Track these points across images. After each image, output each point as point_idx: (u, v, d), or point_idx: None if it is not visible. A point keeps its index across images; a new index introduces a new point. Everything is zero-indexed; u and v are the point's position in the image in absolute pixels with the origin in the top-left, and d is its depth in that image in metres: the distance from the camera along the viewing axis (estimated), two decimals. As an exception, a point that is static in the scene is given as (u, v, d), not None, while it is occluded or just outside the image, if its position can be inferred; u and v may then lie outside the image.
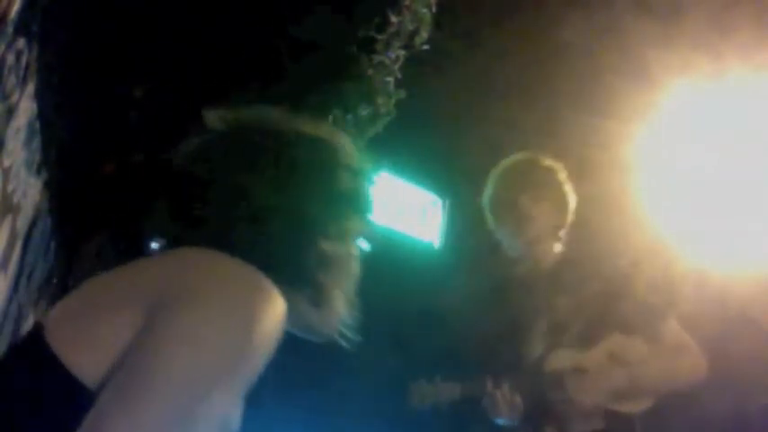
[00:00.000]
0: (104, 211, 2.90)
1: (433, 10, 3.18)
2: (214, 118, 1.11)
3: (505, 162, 2.37)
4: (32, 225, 2.37)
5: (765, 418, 4.46)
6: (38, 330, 0.87)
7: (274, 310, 0.88)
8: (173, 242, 1.02)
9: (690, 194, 4.79)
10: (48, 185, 2.50)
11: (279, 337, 0.90)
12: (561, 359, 2.22)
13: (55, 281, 2.87)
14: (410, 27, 3.07)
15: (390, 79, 3.09)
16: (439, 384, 2.28)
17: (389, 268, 4.56)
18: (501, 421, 2.23)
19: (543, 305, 2.29)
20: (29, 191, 2.25)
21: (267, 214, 1.01)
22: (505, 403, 2.16)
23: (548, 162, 2.33)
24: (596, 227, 4.61)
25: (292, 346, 0.97)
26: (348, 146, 1.13)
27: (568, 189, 2.31)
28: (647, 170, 4.76)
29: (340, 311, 1.10)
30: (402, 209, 5.30)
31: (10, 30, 1.78)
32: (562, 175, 2.31)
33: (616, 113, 4.44)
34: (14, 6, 1.79)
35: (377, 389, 4.07)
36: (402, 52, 3.08)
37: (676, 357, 2.20)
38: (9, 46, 1.81)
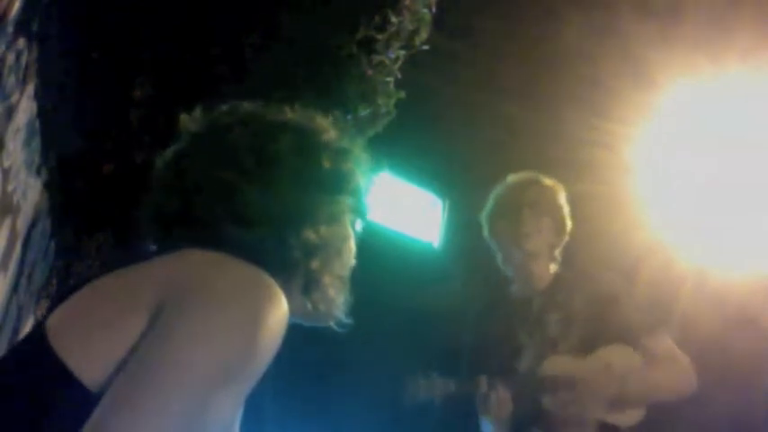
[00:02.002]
0: (104, 211, 2.91)
1: (433, 10, 3.18)
2: (187, 120, 1.10)
3: (509, 179, 2.40)
4: (32, 225, 2.37)
5: (765, 418, 4.46)
6: (41, 333, 0.86)
7: (279, 309, 0.87)
8: (161, 245, 1.02)
9: (689, 195, 4.80)
10: (48, 185, 2.50)
11: (283, 336, 0.89)
12: (556, 364, 2.24)
13: (55, 281, 2.87)
14: (410, 27, 3.07)
15: (390, 79, 3.09)
16: (434, 379, 2.30)
17: (389, 268, 4.57)
18: (488, 428, 2.26)
19: (536, 322, 2.32)
20: (29, 191, 2.25)
21: (251, 211, 1.00)
22: (498, 403, 2.19)
23: (550, 182, 2.36)
24: (596, 227, 4.61)
25: (294, 344, 0.97)
26: (325, 125, 1.12)
27: (567, 212, 2.35)
28: (647, 170, 4.77)
29: (333, 296, 1.09)
30: (402, 209, 5.30)
31: (10, 30, 1.78)
32: (562, 197, 2.35)
33: (616, 114, 4.45)
34: (14, 6, 1.79)
35: (377, 387, 4.07)
36: (402, 52, 3.08)
37: (668, 369, 2.21)
38: (9, 46, 1.81)
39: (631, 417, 2.23)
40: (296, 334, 0.99)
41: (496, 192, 2.41)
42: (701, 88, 4.43)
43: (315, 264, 1.05)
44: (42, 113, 2.19)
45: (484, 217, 2.41)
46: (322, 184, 1.07)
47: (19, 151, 2.03)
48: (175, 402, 0.75)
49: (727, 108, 4.50)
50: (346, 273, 1.12)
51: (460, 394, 2.29)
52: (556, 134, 4.51)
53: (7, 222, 2.00)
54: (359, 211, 1.14)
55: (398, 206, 5.24)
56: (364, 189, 1.14)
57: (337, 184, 1.09)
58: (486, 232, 2.40)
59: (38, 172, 2.35)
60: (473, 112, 4.78)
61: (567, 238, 2.37)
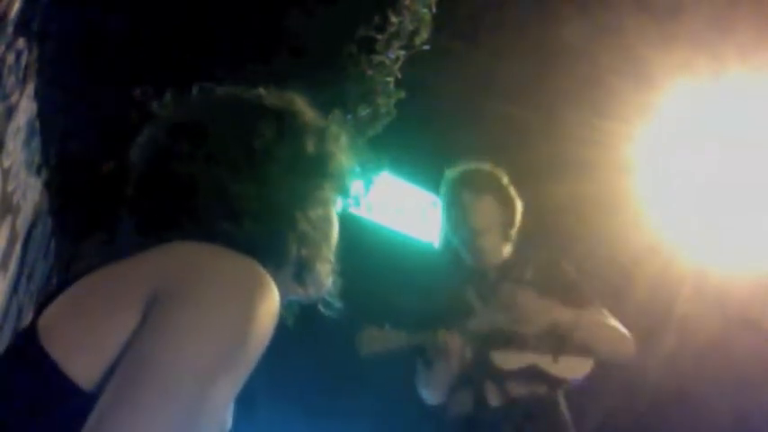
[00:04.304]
0: (104, 211, 2.90)
1: (433, 10, 3.17)
2: (159, 108, 1.09)
3: (455, 168, 2.52)
4: (32, 225, 2.37)
5: (765, 418, 4.46)
6: (32, 332, 0.85)
7: (271, 298, 0.87)
8: (152, 240, 0.99)
9: (689, 194, 4.80)
10: (48, 185, 2.49)
11: (274, 328, 0.89)
12: (503, 323, 2.33)
13: (55, 281, 2.87)
14: (410, 27, 3.07)
15: (390, 79, 3.08)
16: (388, 331, 2.34)
17: (389, 268, 4.57)
18: (431, 396, 2.33)
19: (490, 290, 2.42)
20: (29, 191, 2.25)
21: (243, 206, 0.99)
22: (455, 351, 2.26)
23: (489, 167, 2.50)
24: (596, 227, 4.61)
25: (294, 348, 0.96)
26: (302, 106, 1.11)
27: (512, 191, 2.46)
28: (646, 170, 4.77)
29: (324, 280, 1.09)
30: (402, 209, 5.30)
31: (10, 30, 1.78)
32: (505, 179, 2.46)
33: (616, 113, 4.45)
34: (14, 6, 1.79)
35: (376, 386, 4.07)
36: (402, 52, 3.08)
37: (610, 330, 2.35)
38: (9, 46, 1.81)
39: (578, 369, 2.31)
40: (293, 333, 0.98)
41: (444, 179, 2.54)
42: (700, 88, 4.43)
43: (305, 251, 1.04)
44: (42, 113, 2.19)
45: (435, 208, 2.54)
46: (308, 170, 1.06)
47: (19, 151, 2.03)
48: (174, 396, 0.75)
49: (727, 108, 4.49)
50: (332, 254, 1.12)
51: (414, 345, 2.35)
52: (556, 134, 4.51)
53: (7, 222, 2.00)
54: (342, 191, 1.13)
55: (398, 206, 5.24)
56: (346, 167, 1.13)
57: (322, 167, 1.08)
58: (439, 220, 2.52)
59: (38, 172, 2.35)
60: (473, 112, 4.77)
61: (518, 216, 2.45)
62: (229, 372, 0.80)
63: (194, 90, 1.13)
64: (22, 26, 1.88)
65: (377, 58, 2.97)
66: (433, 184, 5.63)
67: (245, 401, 0.90)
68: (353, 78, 2.95)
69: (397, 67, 3.09)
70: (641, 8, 4.21)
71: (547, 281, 2.39)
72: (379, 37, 2.93)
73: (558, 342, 2.29)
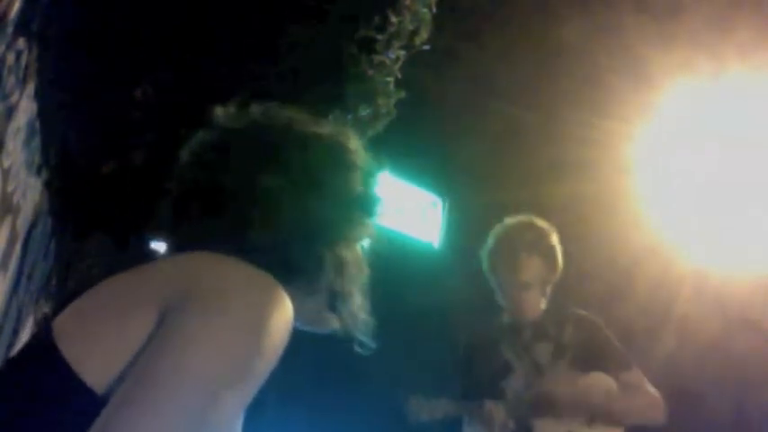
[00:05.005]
0: (104, 211, 2.90)
1: (433, 10, 3.17)
2: (224, 115, 1.09)
3: (507, 221, 2.66)
4: (32, 225, 2.37)
5: (765, 418, 4.46)
6: (47, 333, 0.86)
7: (284, 315, 0.88)
8: (179, 244, 1.01)
9: (689, 194, 4.80)
10: (48, 185, 2.49)
11: (286, 343, 0.89)
12: (543, 390, 2.46)
13: (55, 281, 2.87)
14: (410, 27, 3.07)
15: (390, 79, 3.09)
16: (435, 401, 2.52)
17: (389, 268, 4.56)
18: None
19: (525, 348, 2.57)
20: (29, 191, 2.25)
21: (282, 219, 1.00)
22: (500, 424, 2.43)
23: (544, 224, 2.64)
24: (596, 227, 4.61)
25: (292, 347, 0.97)
26: (357, 146, 1.12)
27: (559, 251, 2.63)
28: (646, 170, 4.77)
29: (359, 314, 1.10)
30: (402, 209, 5.30)
31: (10, 30, 1.79)
32: (555, 238, 2.63)
33: (616, 113, 4.45)
34: (14, 6, 1.79)
35: (376, 387, 4.07)
36: (402, 52, 3.08)
37: (644, 398, 2.46)
38: (9, 46, 1.81)
39: None
40: (294, 337, 0.99)
41: (496, 232, 2.66)
42: (700, 88, 4.43)
43: (342, 282, 1.06)
44: (42, 113, 2.19)
45: (484, 254, 2.64)
46: (355, 205, 1.09)
47: (19, 151, 2.04)
48: (181, 403, 0.75)
49: (727, 107, 4.50)
50: (365, 292, 1.13)
51: (460, 414, 2.52)
52: (556, 133, 4.52)
53: (7, 222, 2.00)
54: (374, 234, 1.16)
55: (398, 206, 5.24)
56: (380, 212, 1.16)
57: (368, 207, 1.11)
58: (485, 267, 2.64)
59: (38, 172, 2.35)
60: (473, 112, 4.78)
61: (558, 275, 2.61)
62: (240, 382, 0.81)
63: (256, 106, 1.13)
64: (22, 26, 1.89)
65: (377, 58, 2.97)
66: (434, 184, 5.65)
67: (255, 403, 0.90)
68: (354, 78, 2.95)
69: (397, 67, 3.09)
70: (641, 8, 4.21)
71: (585, 345, 2.51)
72: (380, 37, 2.93)
73: (594, 410, 2.43)
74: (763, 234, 4.65)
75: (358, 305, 1.09)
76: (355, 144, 1.12)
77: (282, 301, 0.88)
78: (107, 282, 0.91)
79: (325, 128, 1.12)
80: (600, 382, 2.47)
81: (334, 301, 1.07)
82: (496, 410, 2.43)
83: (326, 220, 1.04)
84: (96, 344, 0.84)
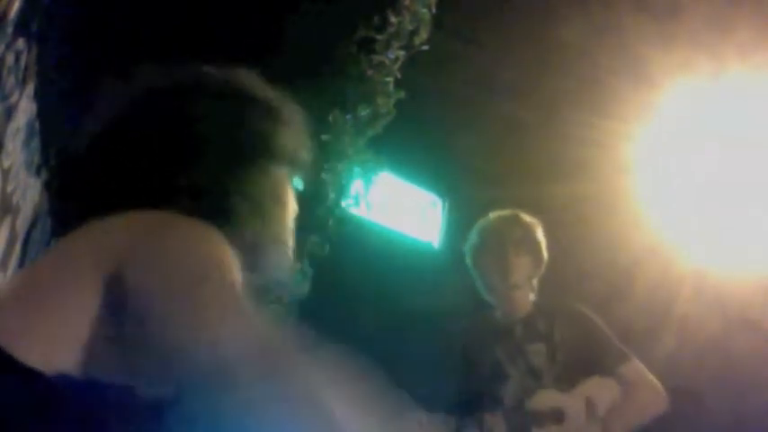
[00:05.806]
0: (104, 210, 2.90)
1: (433, 10, 3.17)
2: (112, 84, 1.11)
3: (491, 216, 2.61)
4: (32, 225, 2.37)
5: (765, 418, 4.46)
6: None
7: (225, 251, 0.87)
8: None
9: (689, 194, 4.80)
10: (48, 185, 2.49)
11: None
12: (542, 400, 2.44)
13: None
14: (410, 27, 3.07)
15: (390, 79, 3.09)
16: (436, 417, 2.49)
17: (389, 268, 4.57)
18: None
19: (518, 350, 2.53)
20: (28, 191, 2.25)
21: (201, 183, 0.98)
22: None
23: (530, 219, 2.60)
24: (596, 227, 4.61)
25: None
26: (260, 84, 1.11)
27: (544, 246, 2.61)
28: (646, 170, 4.77)
29: (282, 264, 1.06)
30: (402, 209, 5.30)
31: (10, 30, 1.79)
32: (540, 233, 2.61)
33: (616, 113, 4.45)
34: (14, 6, 1.79)
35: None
36: (402, 52, 3.08)
37: (643, 394, 2.45)
38: (9, 46, 1.81)
39: None
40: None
41: (480, 227, 2.62)
42: (700, 88, 4.43)
43: (252, 231, 1.01)
44: (42, 113, 2.19)
45: (468, 249, 2.60)
46: (248, 146, 1.05)
47: (19, 151, 2.04)
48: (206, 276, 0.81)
49: (727, 107, 4.50)
50: (290, 238, 1.09)
51: (461, 428, 2.50)
52: (555, 133, 4.51)
53: (7, 223, 2.00)
54: (297, 169, 1.11)
55: (398, 206, 5.24)
56: (302, 144, 1.11)
57: (263, 144, 1.06)
58: (469, 262, 2.60)
59: (38, 172, 2.35)
60: (473, 112, 4.78)
61: (543, 269, 2.59)
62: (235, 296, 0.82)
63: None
64: (22, 26, 1.89)
65: (377, 59, 2.97)
66: (433, 183, 5.65)
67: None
68: (353, 78, 2.95)
69: (396, 67, 3.10)
70: (641, 8, 4.21)
71: (579, 342, 2.48)
72: (379, 37, 2.93)
73: (593, 415, 2.41)
74: (763, 234, 4.65)
75: (281, 255, 1.06)
76: (246, 80, 1.13)
77: (220, 241, 0.88)
78: (40, 257, 0.90)
79: (210, 75, 1.12)
80: (601, 392, 2.44)
81: (254, 254, 1.01)
82: (497, 424, 2.42)
83: (232, 173, 1.02)
84: (39, 327, 0.79)
